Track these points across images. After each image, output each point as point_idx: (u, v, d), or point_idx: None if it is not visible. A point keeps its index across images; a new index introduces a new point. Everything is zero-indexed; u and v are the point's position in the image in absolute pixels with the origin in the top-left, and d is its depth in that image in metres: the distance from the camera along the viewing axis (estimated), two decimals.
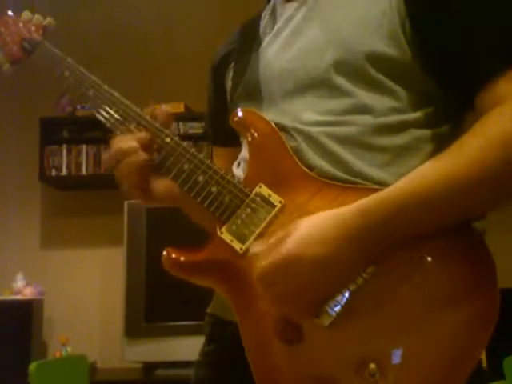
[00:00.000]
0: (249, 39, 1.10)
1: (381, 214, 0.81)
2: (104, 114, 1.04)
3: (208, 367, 1.05)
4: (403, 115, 0.91)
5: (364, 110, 0.91)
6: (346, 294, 0.83)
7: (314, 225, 0.84)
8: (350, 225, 0.82)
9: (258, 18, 1.12)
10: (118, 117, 1.03)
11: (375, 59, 0.90)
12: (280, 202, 0.91)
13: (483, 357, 2.98)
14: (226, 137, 1.08)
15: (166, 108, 1.05)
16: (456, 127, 0.93)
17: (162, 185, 1.03)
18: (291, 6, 1.03)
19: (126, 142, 1.00)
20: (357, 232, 0.81)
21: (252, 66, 1.04)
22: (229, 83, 1.12)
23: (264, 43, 1.05)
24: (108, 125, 1.04)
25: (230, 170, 1.03)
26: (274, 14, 1.07)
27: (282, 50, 1.00)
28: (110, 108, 1.04)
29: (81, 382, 2.67)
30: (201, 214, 1.05)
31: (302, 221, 0.86)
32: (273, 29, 1.05)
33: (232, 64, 1.12)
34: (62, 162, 3.50)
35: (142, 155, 0.99)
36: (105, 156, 1.04)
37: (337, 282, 0.83)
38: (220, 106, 1.13)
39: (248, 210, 0.92)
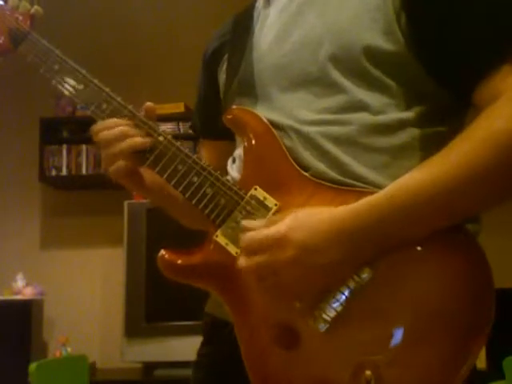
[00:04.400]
0: (242, 30, 1.08)
1: (371, 218, 0.80)
2: (95, 110, 1.02)
3: (206, 368, 1.05)
4: (400, 112, 0.90)
5: (360, 106, 0.90)
6: (342, 300, 0.83)
7: (306, 216, 0.84)
8: (341, 226, 0.81)
9: (252, 8, 1.11)
10: (109, 113, 1.00)
11: (372, 54, 0.89)
12: (275, 204, 0.90)
13: (483, 357, 3.00)
14: (216, 130, 1.06)
15: (148, 103, 1.03)
16: (455, 128, 0.91)
17: (150, 175, 1.02)
18: None
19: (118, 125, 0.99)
20: (347, 234, 0.81)
21: (246, 59, 1.03)
22: (222, 76, 1.10)
23: (258, 34, 1.04)
24: (99, 121, 1.01)
25: (223, 169, 1.01)
26: (267, 4, 1.06)
27: (276, 42, 0.99)
28: (101, 104, 1.01)
29: (81, 382, 2.67)
30: (190, 215, 1.04)
31: (297, 209, 0.86)
32: (266, 20, 1.04)
33: (225, 56, 1.10)
34: (62, 162, 3.50)
35: (137, 138, 0.98)
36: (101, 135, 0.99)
37: (321, 277, 0.82)
38: (211, 99, 1.12)
39: (243, 212, 0.92)
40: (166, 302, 3.06)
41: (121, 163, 0.98)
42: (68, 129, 3.59)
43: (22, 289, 3.41)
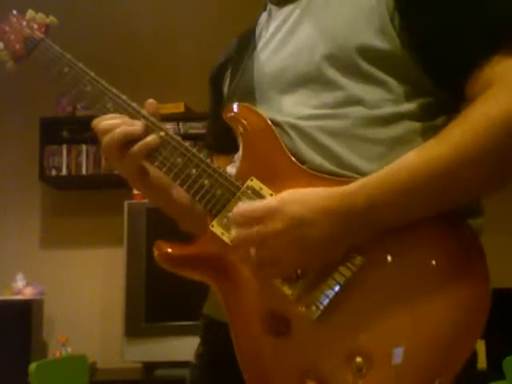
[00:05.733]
0: (245, 46, 1.12)
1: (364, 200, 0.81)
2: (102, 109, 1.04)
3: (202, 369, 1.05)
4: (396, 106, 0.91)
5: (356, 101, 0.92)
6: (335, 287, 0.84)
7: (298, 193, 0.85)
8: (334, 205, 0.83)
9: (255, 25, 1.14)
10: (116, 112, 1.02)
11: (366, 52, 0.91)
12: (271, 194, 0.92)
13: (483, 357, 3.00)
14: (228, 144, 1.08)
15: (151, 100, 1.04)
16: (451, 120, 0.92)
17: (155, 172, 1.03)
18: (285, 10, 1.04)
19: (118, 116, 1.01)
20: (339, 213, 0.82)
21: (247, 70, 1.06)
22: (226, 90, 1.14)
23: (259, 47, 1.07)
24: None
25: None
26: (269, 19, 1.09)
27: (276, 51, 1.02)
28: (107, 103, 1.04)
29: (81, 382, 2.67)
30: (190, 218, 1.05)
31: (290, 189, 0.87)
32: (267, 33, 1.07)
33: (229, 71, 1.14)
34: (62, 162, 3.50)
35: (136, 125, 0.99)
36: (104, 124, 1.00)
37: (310, 253, 0.83)
38: (219, 114, 1.14)
39: (239, 203, 0.93)
40: (165, 302, 3.06)
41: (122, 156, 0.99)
42: (68, 129, 3.59)
43: (22, 289, 3.41)
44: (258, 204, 0.86)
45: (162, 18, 3.75)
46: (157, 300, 3.09)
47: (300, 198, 0.84)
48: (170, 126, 3.42)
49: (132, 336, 3.08)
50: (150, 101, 1.04)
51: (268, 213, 0.83)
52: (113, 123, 0.99)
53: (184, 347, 2.88)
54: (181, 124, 3.47)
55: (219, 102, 1.15)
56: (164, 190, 1.05)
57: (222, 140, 1.12)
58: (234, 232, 0.86)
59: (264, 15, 1.13)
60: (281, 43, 1.02)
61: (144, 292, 3.10)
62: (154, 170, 1.02)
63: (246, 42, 1.12)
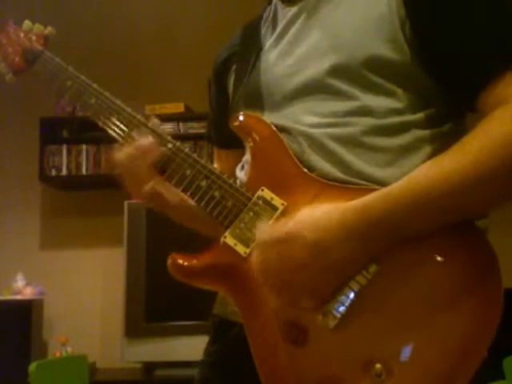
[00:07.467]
0: (250, 42, 1.10)
1: (382, 212, 0.81)
2: (106, 122, 1.04)
3: (212, 367, 1.06)
4: (404, 116, 0.91)
5: (365, 111, 0.91)
6: (350, 295, 0.84)
7: (317, 212, 0.85)
8: (351, 220, 0.82)
9: (259, 19, 1.13)
10: (120, 124, 1.03)
11: (374, 63, 0.90)
12: (282, 204, 0.92)
13: None
14: (229, 139, 1.07)
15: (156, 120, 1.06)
16: (458, 126, 0.93)
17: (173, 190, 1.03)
18: (291, 11, 1.03)
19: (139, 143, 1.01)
20: (358, 227, 0.82)
21: (253, 70, 1.05)
22: (231, 86, 1.13)
23: (265, 47, 1.06)
24: (110, 132, 1.04)
25: (232, 174, 1.03)
26: (275, 18, 1.08)
27: (283, 55, 1.01)
28: (112, 116, 1.04)
29: (81, 382, 2.67)
30: (205, 223, 1.05)
31: (307, 207, 0.87)
32: (274, 33, 1.06)
33: (234, 67, 1.12)
34: (62, 162, 3.50)
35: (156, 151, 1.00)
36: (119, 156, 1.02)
37: (332, 274, 0.83)
38: (223, 109, 1.13)
39: (251, 213, 0.93)
40: (166, 301, 3.06)
41: (147, 188, 1.01)
42: (68, 129, 3.59)
43: (22, 289, 3.41)
44: (275, 234, 0.86)
45: (162, 17, 3.75)
46: (157, 300, 3.09)
47: (316, 222, 0.84)
48: (170, 126, 3.42)
49: (132, 336, 3.07)
50: (155, 120, 1.04)
51: (285, 239, 0.84)
52: (133, 164, 0.99)
53: (184, 347, 2.88)
54: (181, 124, 3.47)
55: (224, 97, 1.14)
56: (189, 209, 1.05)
57: (226, 137, 1.11)
58: (255, 260, 0.87)
59: (269, 10, 1.11)
60: (288, 47, 1.01)
61: (144, 292, 3.10)
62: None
63: (251, 38, 1.11)
